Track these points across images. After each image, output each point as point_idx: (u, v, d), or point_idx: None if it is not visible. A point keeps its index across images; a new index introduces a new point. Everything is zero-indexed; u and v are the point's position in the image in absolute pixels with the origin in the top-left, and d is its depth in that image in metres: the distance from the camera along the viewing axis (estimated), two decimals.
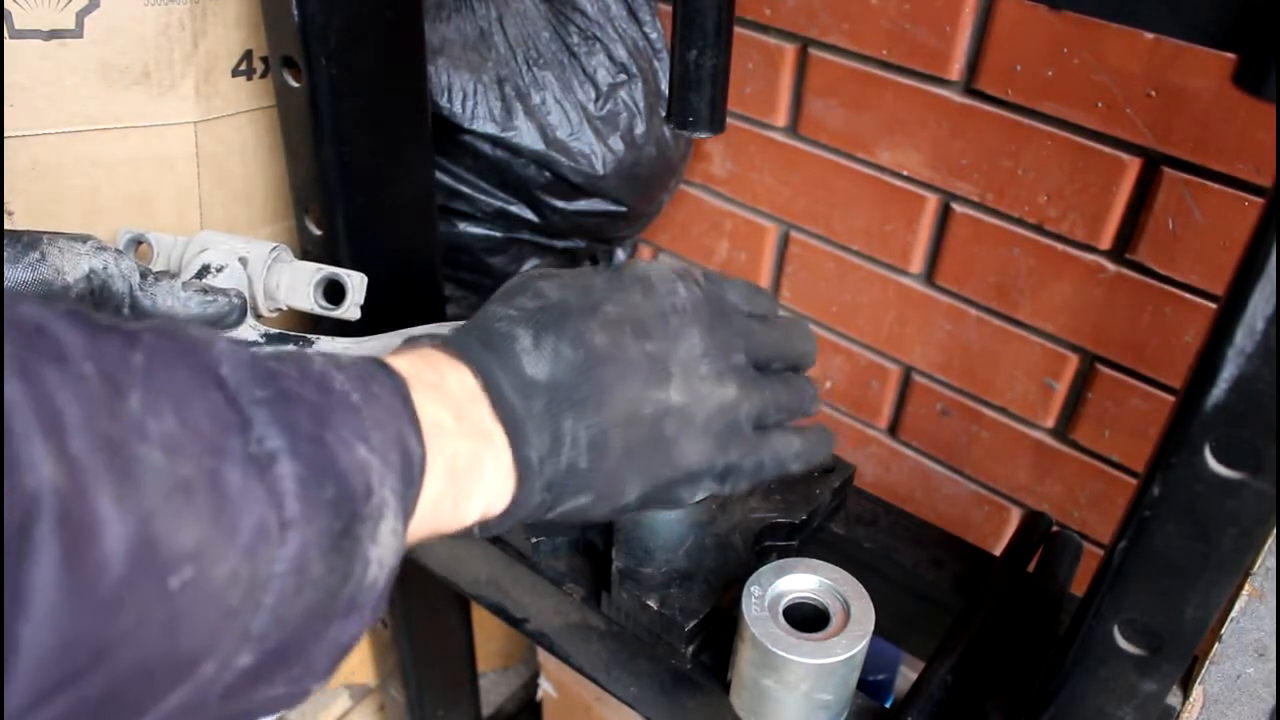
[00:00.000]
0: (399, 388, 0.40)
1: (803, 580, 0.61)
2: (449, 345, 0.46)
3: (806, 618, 0.60)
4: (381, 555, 0.36)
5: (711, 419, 0.49)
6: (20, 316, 0.28)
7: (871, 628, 0.58)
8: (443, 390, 0.43)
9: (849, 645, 0.57)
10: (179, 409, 0.30)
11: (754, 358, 0.52)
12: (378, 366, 0.41)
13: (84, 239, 0.59)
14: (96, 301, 0.60)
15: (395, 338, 0.68)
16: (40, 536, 0.24)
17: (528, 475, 0.45)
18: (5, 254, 0.56)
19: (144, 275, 0.61)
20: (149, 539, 0.27)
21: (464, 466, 0.43)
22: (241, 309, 0.64)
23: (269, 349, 0.38)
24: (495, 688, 1.46)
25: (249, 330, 0.66)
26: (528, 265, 1.10)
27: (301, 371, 0.36)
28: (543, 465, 0.45)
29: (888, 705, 0.64)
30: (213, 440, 0.31)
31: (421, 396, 0.41)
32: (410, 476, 0.39)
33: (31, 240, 0.57)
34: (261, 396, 0.33)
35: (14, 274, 0.56)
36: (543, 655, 1.28)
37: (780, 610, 0.59)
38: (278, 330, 0.67)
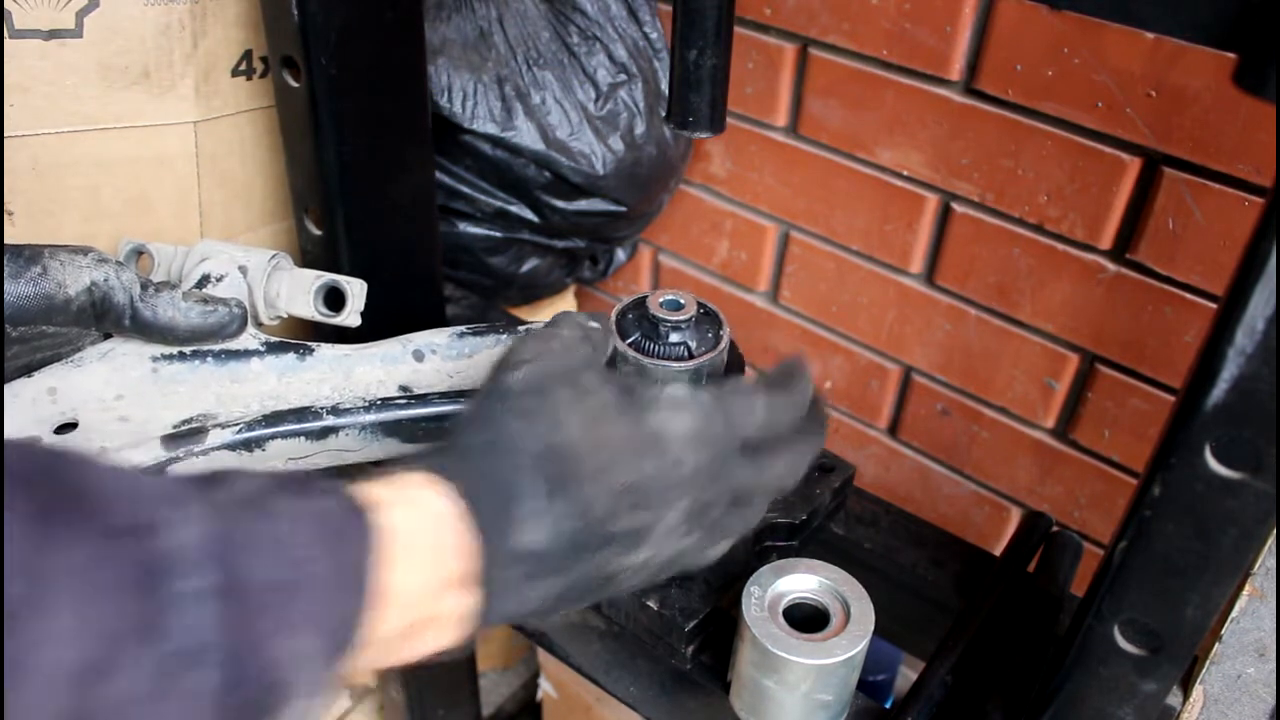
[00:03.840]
0: (368, 554, 0.38)
1: (803, 580, 0.61)
2: (463, 496, 0.43)
3: (806, 618, 0.60)
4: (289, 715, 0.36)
5: (663, 565, 0.49)
6: None
7: (871, 628, 0.58)
8: (436, 558, 0.41)
9: (849, 646, 0.57)
10: (94, 619, 0.29)
11: (733, 502, 0.50)
12: (358, 521, 0.39)
13: (85, 251, 0.60)
14: (98, 313, 0.60)
15: (395, 345, 0.68)
16: None
17: (482, 624, 0.44)
18: (7, 269, 0.56)
19: (145, 286, 0.61)
20: None
21: (421, 625, 0.41)
22: (242, 319, 0.65)
23: (242, 491, 0.37)
24: (495, 688, 1.46)
25: (249, 339, 0.66)
26: (528, 265, 1.10)
27: (267, 534, 0.35)
28: (500, 618, 0.45)
29: (888, 705, 0.64)
30: (122, 646, 0.30)
31: (405, 562, 0.39)
32: (343, 651, 0.37)
33: (33, 255, 0.57)
34: (203, 585, 0.32)
35: (16, 289, 0.57)
36: (543, 655, 1.28)
37: (780, 610, 0.59)
38: (279, 339, 0.67)
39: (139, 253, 0.74)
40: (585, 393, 0.47)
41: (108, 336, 0.64)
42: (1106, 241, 0.90)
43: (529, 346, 0.49)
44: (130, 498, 0.33)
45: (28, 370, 0.62)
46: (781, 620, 0.59)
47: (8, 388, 0.61)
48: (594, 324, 0.54)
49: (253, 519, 0.35)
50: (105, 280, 0.59)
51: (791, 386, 0.52)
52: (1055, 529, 0.77)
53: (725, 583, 0.66)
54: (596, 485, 0.45)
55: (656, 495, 0.46)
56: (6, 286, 0.56)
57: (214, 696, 0.32)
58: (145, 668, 0.30)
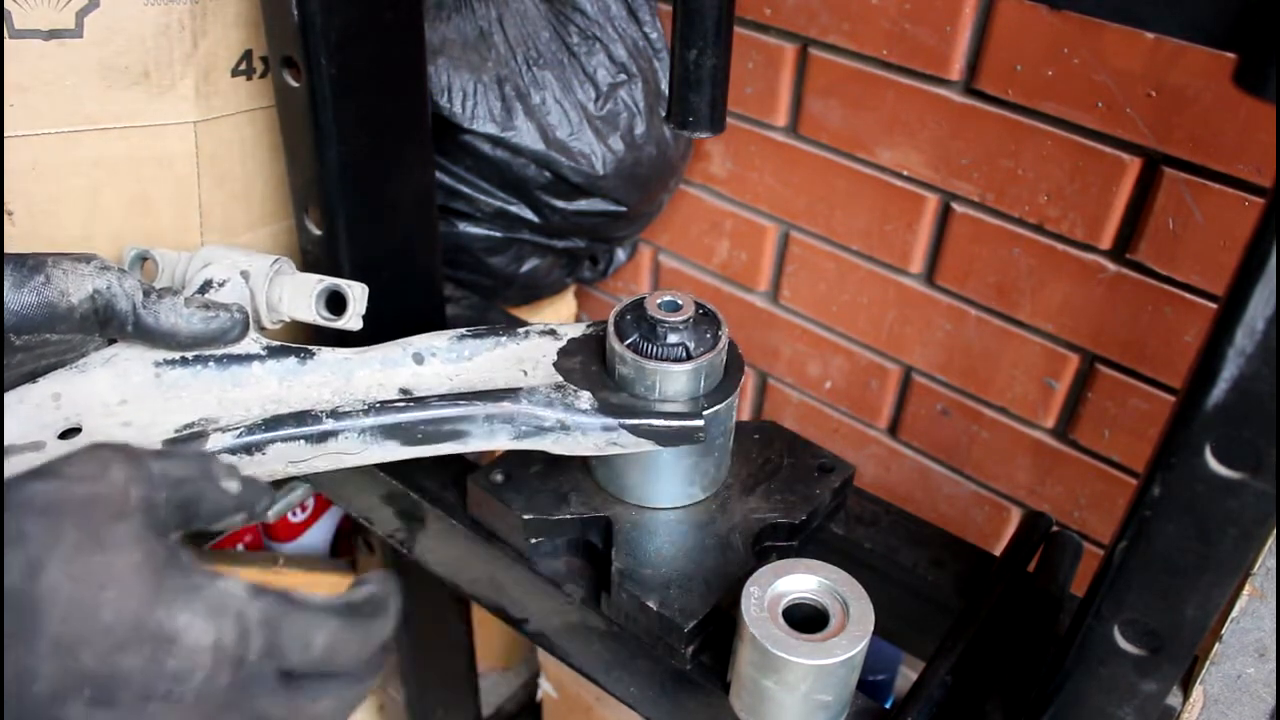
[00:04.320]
0: None
1: (802, 581, 0.61)
2: None
3: (806, 618, 0.60)
4: None
5: None
6: None
7: (871, 628, 0.58)
8: None
9: (849, 646, 0.57)
10: None
11: None
12: None
13: (87, 259, 0.60)
14: (101, 320, 0.60)
15: (395, 348, 0.68)
16: None
17: None
18: (11, 278, 0.56)
19: (147, 293, 0.61)
20: None
21: None
22: (243, 324, 0.65)
23: None
24: (495, 688, 1.46)
25: (251, 343, 0.66)
26: (528, 265, 1.10)
27: None
28: None
29: (888, 705, 0.64)
30: None
31: None
32: None
33: (37, 264, 0.58)
34: None
35: (20, 298, 0.57)
36: (543, 655, 1.28)
37: (780, 611, 0.59)
38: (280, 343, 0.67)
39: (143, 259, 0.75)
40: (107, 542, 0.36)
41: (111, 342, 0.65)
42: (1106, 241, 0.90)
43: (80, 465, 0.38)
44: None
45: (32, 377, 0.62)
46: (781, 620, 0.59)
47: (13, 394, 0.62)
48: (181, 467, 0.42)
49: None
50: (108, 288, 0.59)
51: (373, 619, 0.43)
52: (1055, 529, 0.77)
53: (725, 583, 0.66)
54: (51, 657, 0.34)
55: (131, 701, 0.36)
56: (11, 296, 0.56)
57: None
58: None
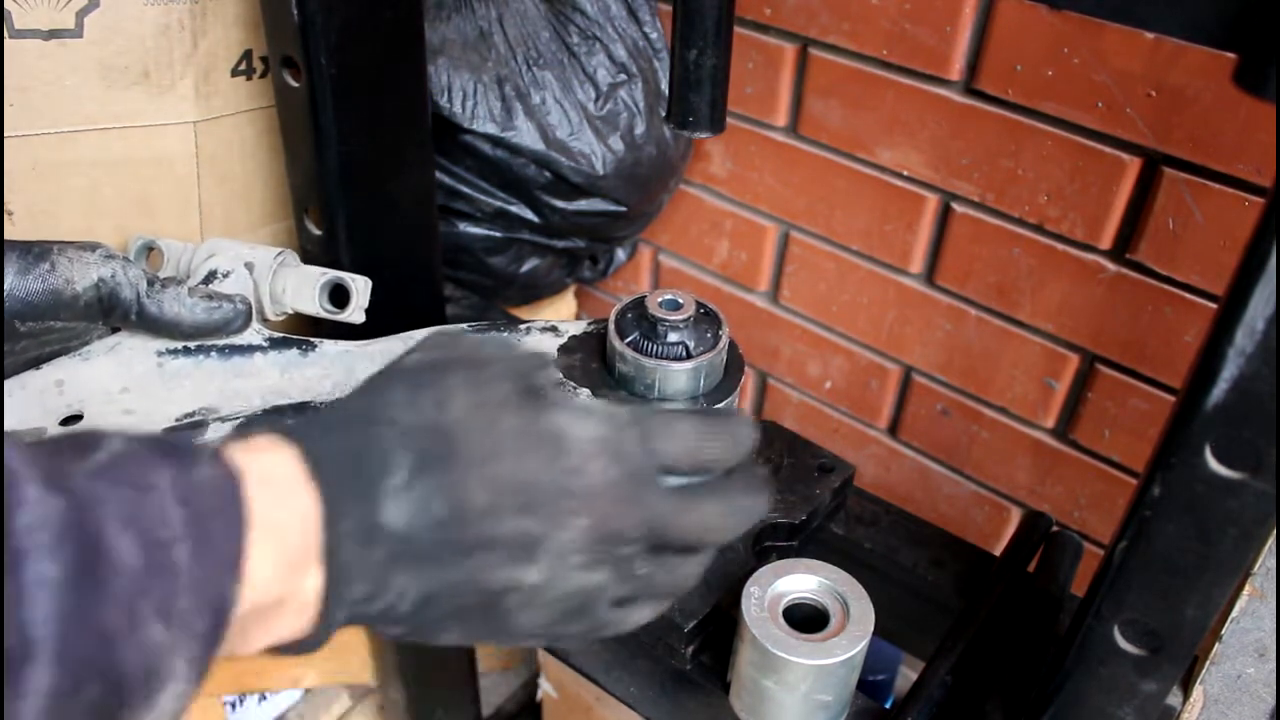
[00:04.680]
0: (242, 531, 0.35)
1: (802, 581, 0.61)
2: (313, 463, 0.38)
3: (806, 618, 0.60)
4: (158, 716, 0.33)
5: (562, 599, 0.43)
6: None
7: (871, 628, 0.58)
8: (282, 536, 0.37)
9: (849, 646, 0.57)
10: None
11: (653, 540, 0.44)
12: (229, 496, 0.36)
13: (93, 247, 0.60)
14: (105, 309, 0.61)
15: (397, 341, 0.69)
16: None
17: (327, 620, 0.39)
18: (16, 265, 0.57)
19: (151, 282, 0.62)
20: None
21: (263, 613, 0.38)
22: (246, 314, 0.65)
23: (112, 452, 0.33)
24: (495, 688, 1.46)
25: (253, 334, 0.66)
26: (528, 265, 1.10)
27: (131, 510, 0.32)
28: (351, 608, 0.40)
29: (888, 705, 0.64)
30: None
31: (259, 546, 0.36)
32: (215, 638, 0.34)
33: (41, 251, 0.58)
34: (51, 575, 0.29)
35: (25, 284, 0.57)
36: (543, 655, 1.28)
37: (780, 611, 0.59)
38: (282, 334, 0.67)
39: (149, 248, 0.75)
40: (484, 380, 0.42)
41: (114, 331, 0.65)
42: (1106, 241, 0.90)
43: (452, 337, 0.45)
44: None
45: (36, 363, 0.63)
46: (781, 620, 0.59)
47: (16, 380, 0.62)
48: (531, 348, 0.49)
49: (115, 493, 0.32)
50: (112, 276, 0.60)
51: (729, 423, 0.46)
52: (1055, 529, 0.77)
53: (725, 583, 0.66)
54: (475, 472, 0.40)
55: (548, 502, 0.41)
56: (16, 283, 0.57)
57: (48, 697, 0.29)
58: None
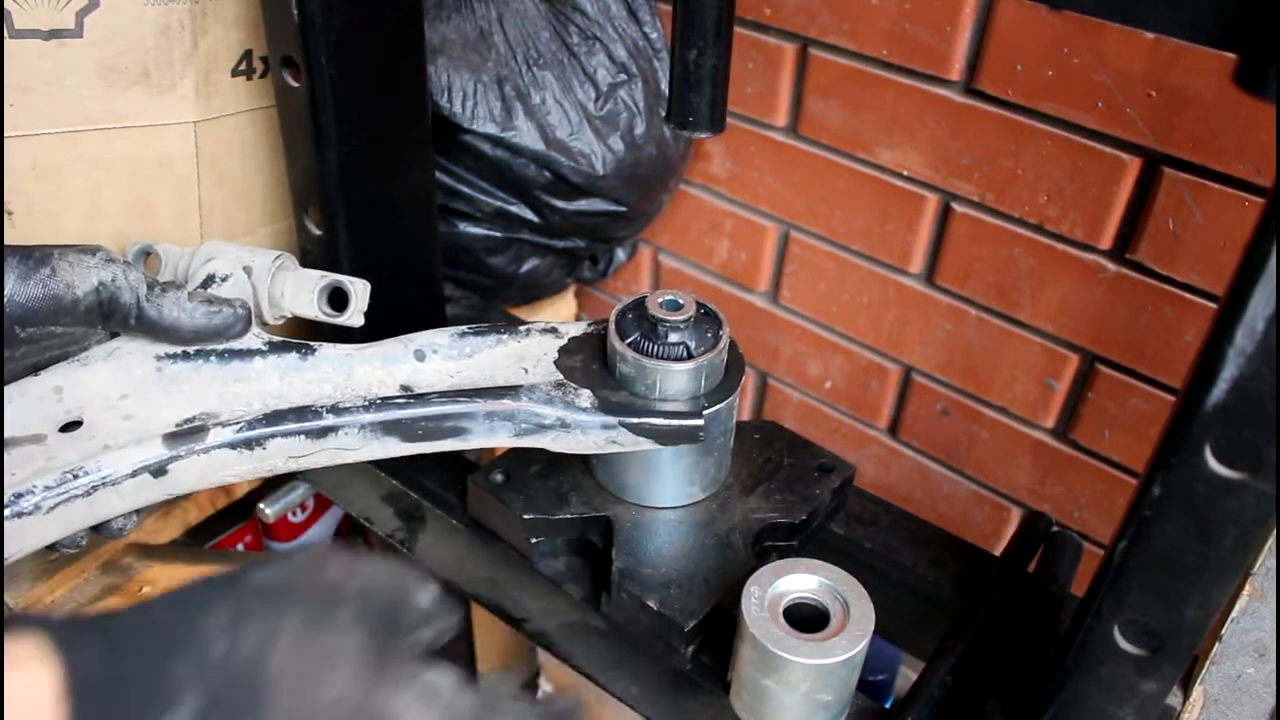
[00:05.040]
0: None
1: (802, 580, 0.61)
2: (77, 687, 0.32)
3: (806, 618, 0.60)
4: None
5: None
6: None
7: (871, 628, 0.58)
8: None
9: (849, 646, 0.57)
10: None
11: None
12: None
13: (93, 251, 0.60)
14: (105, 313, 0.60)
15: (397, 345, 0.69)
16: None
17: None
18: (17, 270, 0.57)
19: (151, 287, 0.62)
20: None
21: None
22: (246, 319, 0.65)
23: None
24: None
25: (253, 338, 0.66)
26: (528, 265, 1.10)
27: None
28: None
29: (888, 705, 0.64)
30: None
31: None
32: None
33: (42, 256, 0.58)
34: None
35: (26, 290, 0.57)
36: (543, 655, 1.28)
37: (780, 610, 0.59)
38: (281, 338, 0.67)
39: (147, 253, 0.75)
40: (327, 627, 0.36)
41: (114, 335, 0.65)
42: (1106, 241, 0.90)
43: (315, 553, 0.39)
44: None
45: (35, 369, 0.63)
46: (782, 620, 0.59)
47: (15, 386, 0.62)
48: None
49: None
50: (112, 280, 0.60)
51: None
52: (1055, 529, 0.77)
53: (725, 583, 0.66)
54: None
55: None
56: (16, 288, 0.56)
57: None
58: None
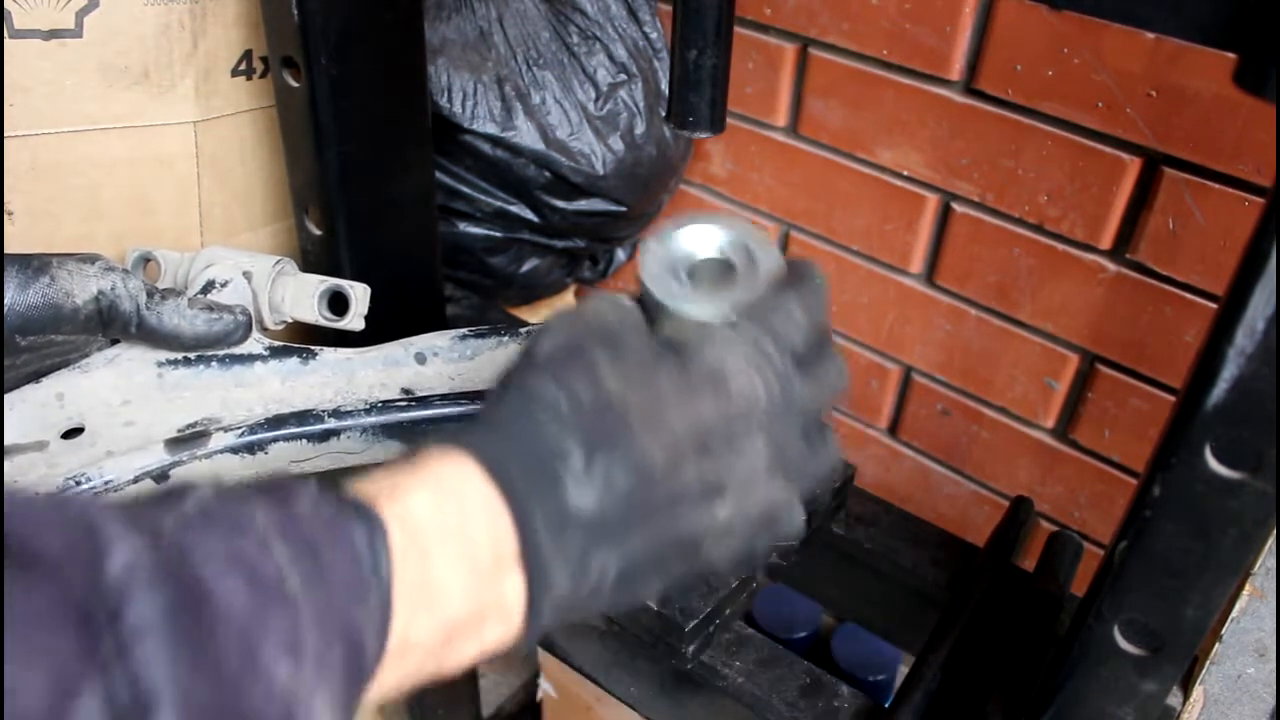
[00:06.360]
0: (371, 551, 0.33)
1: (705, 237, 0.52)
2: (486, 464, 0.38)
3: (709, 279, 0.52)
4: None
5: (752, 519, 0.43)
6: None
7: (776, 272, 0.50)
8: (463, 540, 0.36)
9: (749, 295, 0.48)
10: (11, 678, 0.24)
11: (807, 430, 0.46)
12: (348, 519, 0.34)
13: (92, 259, 0.60)
14: (104, 321, 0.60)
15: (397, 348, 0.69)
16: None
17: (534, 620, 0.39)
18: (16, 279, 0.57)
19: (151, 294, 0.62)
20: None
21: (460, 631, 0.37)
22: (246, 326, 0.65)
23: (199, 499, 0.31)
24: (495, 688, 1.46)
25: (253, 343, 0.66)
26: (528, 265, 1.10)
27: (229, 550, 0.30)
28: (557, 602, 0.39)
29: (888, 705, 0.64)
30: (53, 715, 0.24)
31: (432, 555, 0.35)
32: (359, 673, 0.32)
33: (42, 265, 0.58)
34: (152, 615, 0.26)
35: (26, 299, 0.57)
36: (543, 655, 1.28)
37: (682, 270, 0.50)
38: (282, 343, 0.67)
39: (146, 260, 0.75)
40: (624, 348, 0.42)
41: (115, 343, 0.65)
42: (1106, 241, 0.90)
43: (558, 319, 0.44)
44: (60, 525, 0.27)
45: (36, 377, 0.63)
46: (683, 277, 0.50)
47: (16, 394, 0.62)
48: (626, 299, 0.49)
49: (208, 538, 0.30)
50: (112, 289, 0.60)
51: (808, 281, 0.48)
52: (1055, 529, 0.77)
53: (725, 582, 0.66)
54: (648, 435, 0.39)
55: (722, 438, 0.41)
56: (16, 297, 0.57)
57: None
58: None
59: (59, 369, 0.63)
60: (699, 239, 0.53)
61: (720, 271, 0.53)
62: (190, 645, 0.27)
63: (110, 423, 0.62)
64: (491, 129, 0.97)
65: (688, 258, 0.52)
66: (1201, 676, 0.59)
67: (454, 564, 0.36)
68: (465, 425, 0.41)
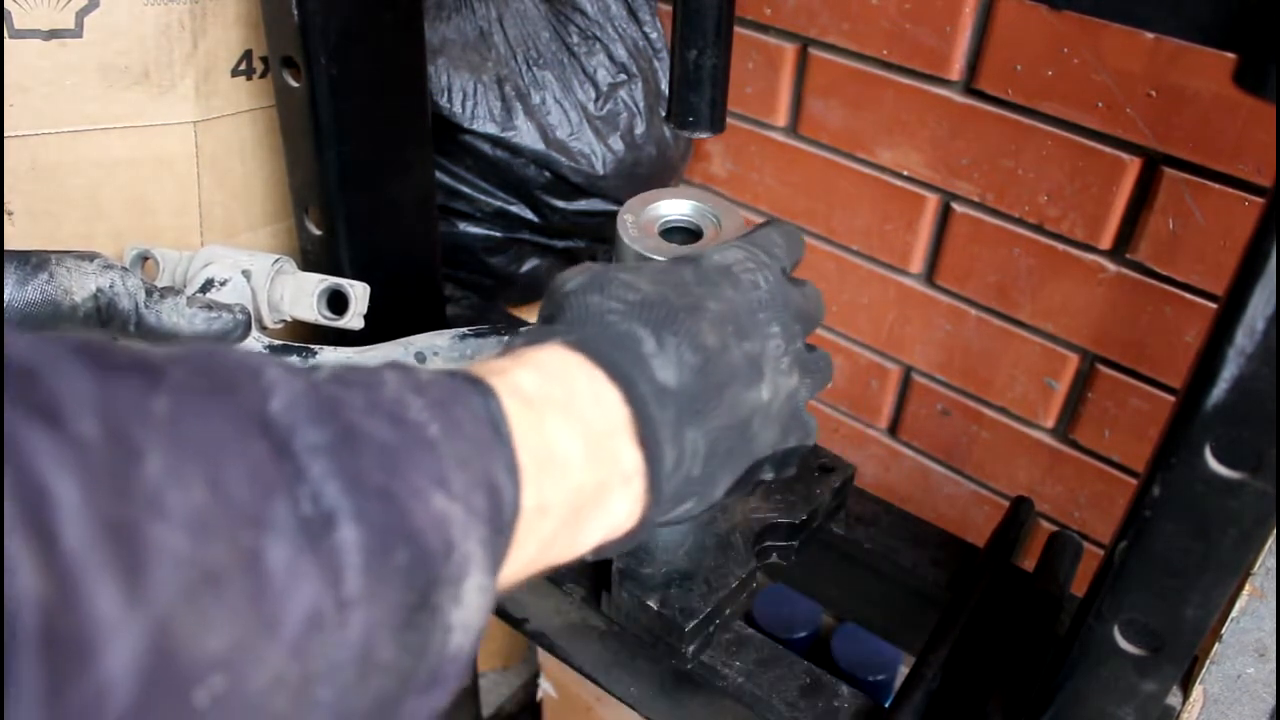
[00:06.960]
0: (490, 412, 0.34)
1: (674, 206, 0.61)
2: (578, 346, 0.41)
3: (681, 241, 0.61)
4: (466, 619, 0.31)
5: (783, 408, 0.48)
6: (10, 358, 0.22)
7: (739, 232, 0.59)
8: (573, 410, 0.38)
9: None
10: (211, 470, 0.24)
11: (807, 331, 0.51)
12: (464, 385, 0.35)
13: (91, 257, 0.60)
14: (103, 319, 0.60)
15: (397, 347, 0.69)
16: (17, 669, 0.19)
17: (657, 497, 0.41)
18: (15, 276, 0.57)
19: (149, 292, 0.61)
20: (166, 649, 0.22)
21: (588, 500, 0.38)
22: (245, 325, 0.65)
23: (331, 366, 0.33)
24: (495, 688, 1.46)
25: (253, 343, 0.66)
26: (528, 265, 1.10)
27: (369, 400, 0.31)
28: (670, 482, 0.42)
29: (888, 705, 0.64)
30: (253, 508, 0.25)
31: (547, 422, 0.36)
32: (500, 521, 0.33)
33: (40, 261, 0.58)
34: (318, 441, 0.28)
35: (23, 295, 0.57)
36: (543, 655, 1.28)
37: (656, 230, 0.60)
38: (281, 342, 0.67)
39: (144, 258, 0.75)
40: (638, 269, 0.47)
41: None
42: (1106, 241, 0.90)
43: (570, 271, 0.48)
44: (231, 364, 0.28)
45: None
46: (659, 238, 0.60)
47: None
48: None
49: (348, 391, 0.31)
50: (111, 286, 0.60)
51: (777, 221, 0.55)
52: (1055, 530, 0.77)
53: (725, 582, 0.66)
54: (696, 318, 0.44)
55: (751, 322, 0.46)
56: (15, 294, 0.57)
57: (363, 553, 0.27)
58: (287, 534, 0.26)
59: None
60: (670, 207, 0.62)
61: (691, 235, 0.61)
62: (354, 471, 0.28)
63: None
64: (491, 129, 0.97)
65: (662, 221, 0.59)
66: (1201, 676, 0.59)
67: (569, 431, 0.37)
68: (538, 329, 0.44)
